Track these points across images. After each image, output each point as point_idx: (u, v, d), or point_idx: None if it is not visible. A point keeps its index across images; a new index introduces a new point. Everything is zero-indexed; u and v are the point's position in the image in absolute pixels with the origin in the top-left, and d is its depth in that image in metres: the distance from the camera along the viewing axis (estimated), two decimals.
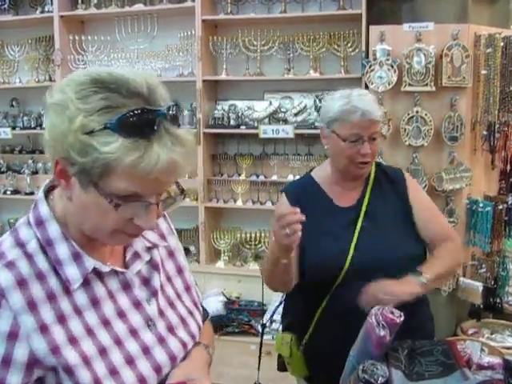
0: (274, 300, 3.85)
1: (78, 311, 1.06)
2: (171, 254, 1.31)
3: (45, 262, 1.04)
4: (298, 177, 4.01)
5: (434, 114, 3.30)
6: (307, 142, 4.12)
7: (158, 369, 1.14)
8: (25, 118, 4.61)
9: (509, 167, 3.51)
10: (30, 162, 4.70)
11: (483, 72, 3.35)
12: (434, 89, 3.29)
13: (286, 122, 4.00)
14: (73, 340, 1.03)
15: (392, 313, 1.54)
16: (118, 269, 1.14)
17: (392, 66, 3.36)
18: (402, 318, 1.53)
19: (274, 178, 4.10)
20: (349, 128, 1.97)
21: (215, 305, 3.87)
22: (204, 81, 4.04)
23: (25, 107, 4.75)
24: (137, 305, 1.16)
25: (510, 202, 3.38)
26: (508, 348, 2.73)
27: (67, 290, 1.05)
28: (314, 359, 2.08)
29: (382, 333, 1.52)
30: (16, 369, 0.98)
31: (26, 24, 4.54)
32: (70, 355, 1.02)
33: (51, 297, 1.03)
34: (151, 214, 1.02)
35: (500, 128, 3.39)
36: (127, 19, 4.30)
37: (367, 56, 3.56)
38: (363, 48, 3.65)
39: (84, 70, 1.01)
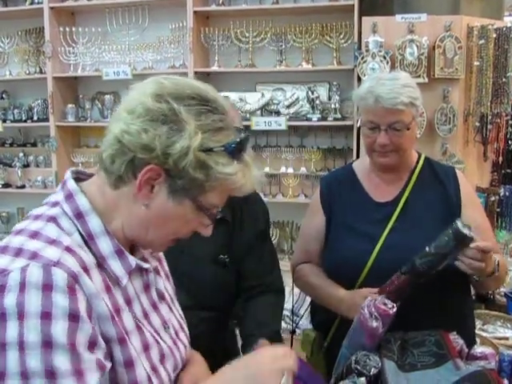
0: None
1: (123, 306, 1.04)
2: (160, 260, 1.28)
3: (91, 256, 1.01)
4: (290, 169, 4.04)
5: (427, 105, 3.28)
6: (300, 134, 4.10)
7: (175, 370, 1.14)
8: (15, 110, 4.57)
9: (501, 159, 3.51)
10: (21, 155, 4.66)
11: (476, 63, 3.35)
12: (426, 80, 3.28)
13: (278, 113, 3.99)
14: (127, 333, 1.01)
15: (385, 304, 1.54)
16: (148, 266, 1.12)
17: (384, 58, 3.35)
18: (395, 310, 1.53)
19: (267, 170, 4.09)
20: (365, 114, 1.84)
21: None
22: (196, 72, 4.02)
23: (15, 100, 4.71)
24: (154, 306, 1.15)
25: (502, 194, 3.39)
26: (500, 338, 2.73)
27: (111, 285, 1.03)
28: (333, 363, 1.77)
29: (375, 324, 1.52)
30: (100, 348, 0.95)
31: (16, 15, 4.49)
32: (131, 348, 1.00)
33: (108, 288, 1.01)
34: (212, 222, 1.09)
35: (492, 119, 3.40)
36: (118, 10, 4.27)
37: (360, 47, 3.54)
38: (356, 39, 3.64)
39: (170, 79, 1.03)
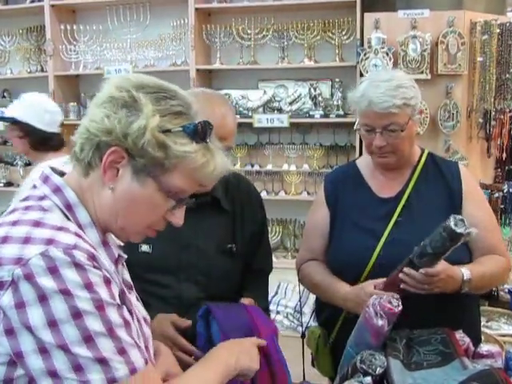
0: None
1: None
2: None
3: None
4: (293, 166, 4.03)
5: (430, 101, 3.28)
6: (302, 131, 4.09)
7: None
8: None
9: (504, 155, 3.50)
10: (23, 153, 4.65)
11: (479, 59, 3.34)
12: (429, 76, 3.27)
13: (280, 111, 3.97)
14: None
15: (390, 302, 1.52)
16: (126, 256, 1.19)
17: (387, 54, 3.34)
18: (400, 308, 1.52)
19: (269, 167, 4.08)
20: (360, 117, 1.85)
21: None
22: (197, 70, 4.00)
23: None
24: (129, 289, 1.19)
25: (505, 190, 3.37)
26: (504, 335, 2.72)
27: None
28: (339, 359, 1.74)
29: (380, 323, 1.50)
30: (114, 307, 1.02)
31: (17, 13, 4.48)
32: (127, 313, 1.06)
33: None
34: (182, 211, 1.12)
35: (496, 116, 3.39)
36: (119, 8, 4.26)
37: (362, 44, 3.53)
38: (358, 36, 3.62)
39: (135, 75, 1.12)
